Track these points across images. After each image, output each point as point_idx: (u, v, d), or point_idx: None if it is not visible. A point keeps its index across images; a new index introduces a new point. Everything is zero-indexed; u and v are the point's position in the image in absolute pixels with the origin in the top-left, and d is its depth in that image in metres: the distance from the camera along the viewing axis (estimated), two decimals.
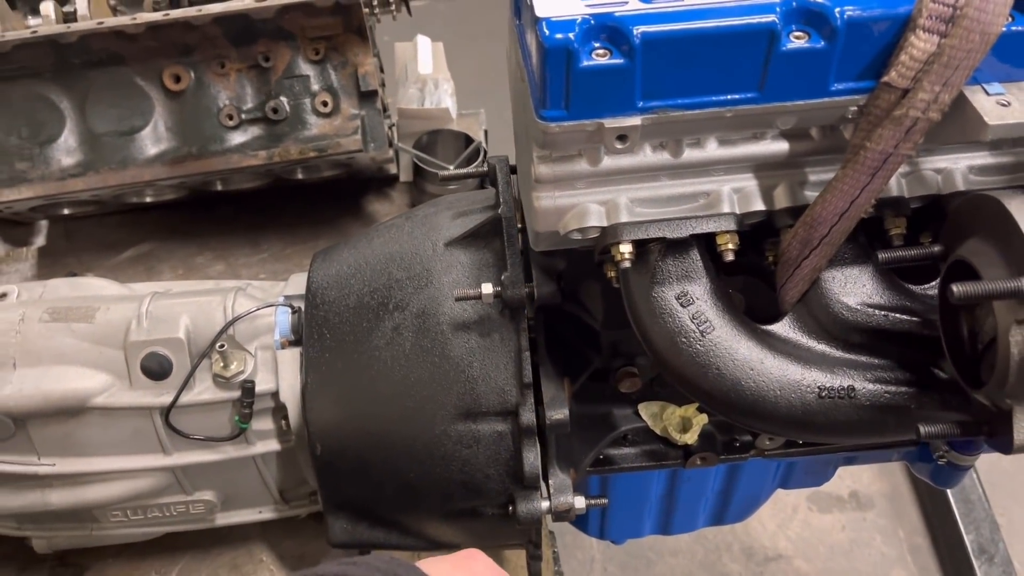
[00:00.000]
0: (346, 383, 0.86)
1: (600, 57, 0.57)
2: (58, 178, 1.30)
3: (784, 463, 1.00)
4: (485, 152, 1.51)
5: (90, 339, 0.89)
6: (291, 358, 0.90)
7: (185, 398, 0.88)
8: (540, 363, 0.83)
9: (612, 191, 0.69)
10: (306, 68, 1.34)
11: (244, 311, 0.90)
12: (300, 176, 1.47)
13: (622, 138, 0.60)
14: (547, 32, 0.56)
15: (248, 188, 1.48)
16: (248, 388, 0.88)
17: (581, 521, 1.08)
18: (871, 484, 2.16)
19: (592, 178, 0.67)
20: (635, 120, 0.59)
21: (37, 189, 1.29)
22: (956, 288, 0.54)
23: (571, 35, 0.56)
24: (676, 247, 0.69)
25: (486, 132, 1.63)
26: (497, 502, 0.86)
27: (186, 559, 1.09)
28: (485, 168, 0.93)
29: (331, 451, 0.87)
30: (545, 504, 0.85)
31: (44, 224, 1.51)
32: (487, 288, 0.80)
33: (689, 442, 0.90)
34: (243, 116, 1.33)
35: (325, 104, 1.34)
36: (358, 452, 0.86)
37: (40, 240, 1.49)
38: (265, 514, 1.02)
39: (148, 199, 1.45)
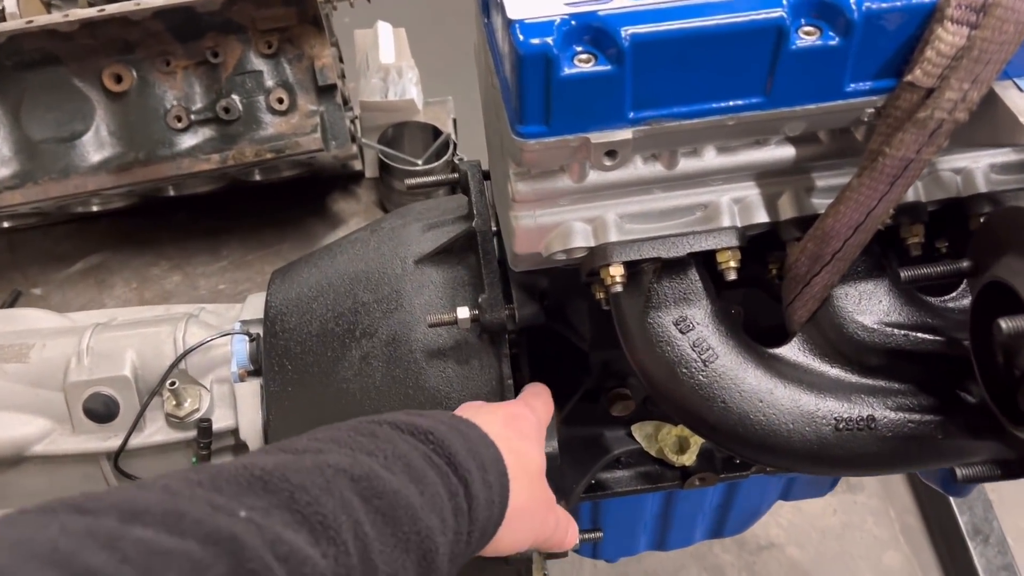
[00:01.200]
0: (312, 419, 0.78)
1: (583, 63, 0.49)
2: None
3: (784, 477, 0.94)
4: (455, 145, 1.43)
5: (25, 380, 0.80)
6: (251, 391, 0.82)
7: (135, 441, 0.80)
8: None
9: (599, 207, 0.61)
10: (259, 63, 1.25)
11: (196, 342, 0.82)
12: (258, 177, 1.38)
13: (611, 154, 0.53)
14: (521, 37, 0.48)
15: (203, 192, 1.39)
16: (205, 428, 0.80)
17: None
18: None
19: (577, 194, 0.60)
20: (626, 133, 0.52)
21: None
22: (1006, 324, 0.47)
23: (549, 39, 0.48)
24: (672, 267, 0.62)
25: (455, 121, 1.55)
26: None
27: None
28: (455, 175, 0.85)
29: None
30: None
31: None
32: (463, 312, 0.73)
33: (687, 464, 0.84)
34: (192, 117, 1.24)
35: (281, 101, 1.25)
36: None
37: None
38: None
39: (95, 208, 1.35)
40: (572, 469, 0.83)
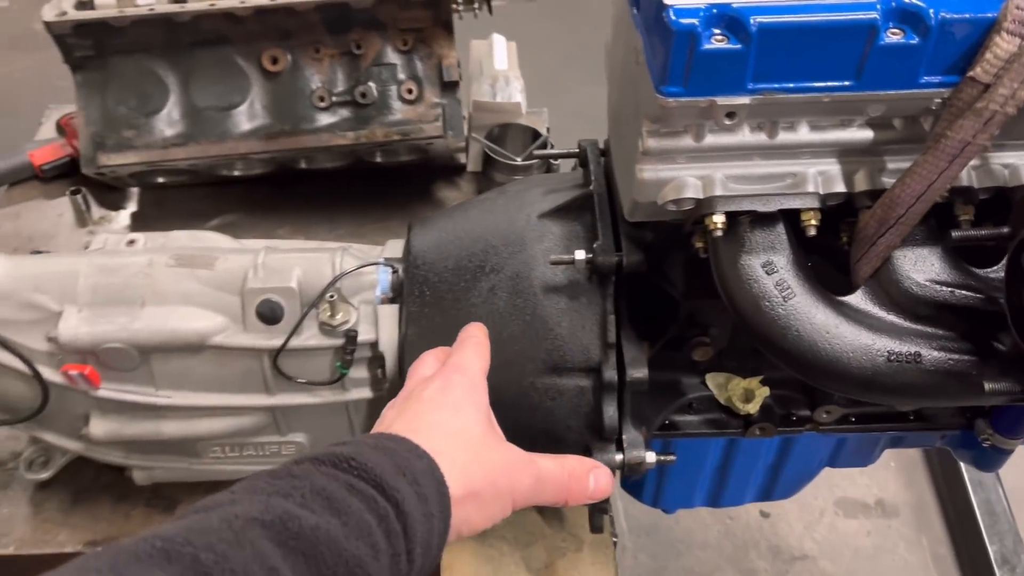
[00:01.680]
0: (443, 335, 0.94)
1: (718, 42, 0.65)
2: (161, 147, 1.40)
3: (834, 441, 1.07)
4: (551, 147, 1.60)
5: (211, 284, 0.97)
6: (390, 313, 0.98)
7: (293, 342, 0.97)
8: (621, 327, 0.91)
9: (709, 167, 0.77)
10: (394, 57, 1.43)
11: (350, 267, 0.98)
12: (379, 159, 1.56)
13: (730, 115, 0.68)
14: (674, 18, 0.64)
15: (329, 168, 1.57)
16: (352, 336, 0.96)
17: (637, 488, 1.15)
18: (897, 493, 2.22)
19: (694, 153, 0.76)
20: (744, 100, 0.67)
21: (142, 155, 1.39)
22: None
23: (695, 20, 0.64)
24: (764, 220, 0.77)
25: (548, 129, 1.71)
26: (574, 452, 0.94)
27: None
28: (576, 149, 1.01)
29: None
30: (619, 456, 0.93)
31: (136, 191, 1.61)
32: (580, 254, 0.88)
33: (751, 412, 0.98)
34: (333, 99, 1.42)
35: (410, 91, 1.43)
36: None
37: (132, 206, 1.59)
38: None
39: (237, 172, 1.54)
40: (651, 406, 0.98)
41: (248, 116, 1.43)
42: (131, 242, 1.03)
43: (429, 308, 0.96)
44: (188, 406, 1.00)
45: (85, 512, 1.15)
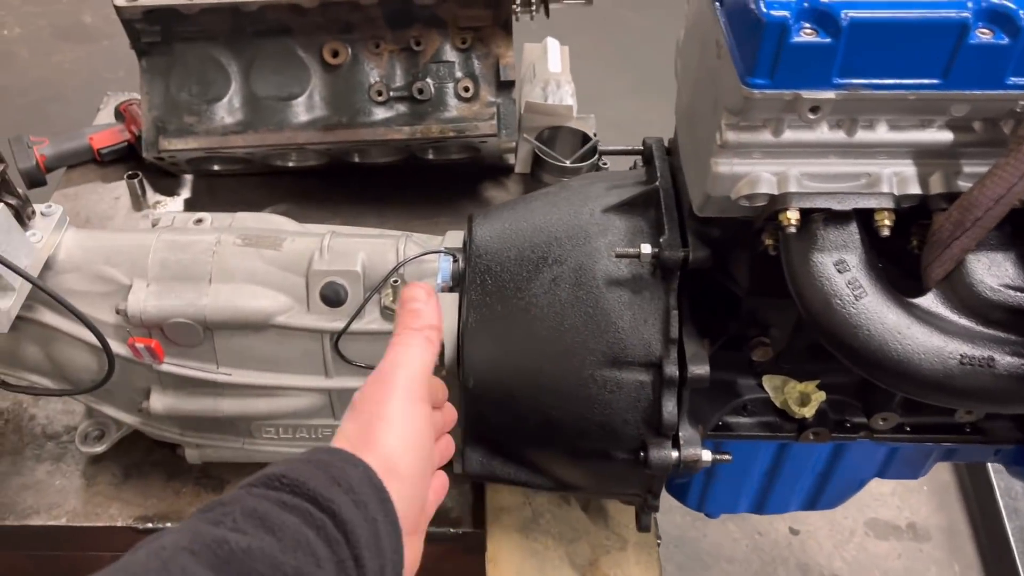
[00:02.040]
0: (504, 323, 0.95)
1: (808, 35, 0.66)
2: (221, 133, 1.43)
3: (886, 450, 1.07)
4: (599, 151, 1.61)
5: (277, 264, 0.99)
6: (450, 301, 0.99)
7: (355, 325, 0.98)
8: (683, 323, 0.91)
9: (784, 164, 0.77)
10: (452, 55, 1.45)
11: (413, 254, 1.00)
12: (431, 156, 1.58)
13: (814, 109, 0.69)
14: (766, 9, 0.65)
15: (381, 163, 1.59)
16: None
17: (682, 491, 1.15)
18: (929, 517, 2.20)
19: (771, 149, 0.76)
20: (829, 94, 0.68)
21: (202, 141, 1.42)
22: None
23: (787, 13, 0.65)
24: (837, 218, 0.77)
25: (595, 134, 1.73)
26: (629, 447, 0.94)
27: None
28: (641, 147, 1.02)
29: (482, 384, 0.96)
30: (675, 454, 0.93)
31: (189, 178, 1.64)
32: (646, 248, 0.89)
33: (807, 416, 0.98)
34: (391, 93, 1.45)
35: (467, 89, 1.45)
36: (508, 387, 0.95)
37: (186, 192, 1.62)
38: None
39: (291, 163, 1.56)
40: (708, 404, 0.98)
41: (306, 107, 1.45)
42: (199, 221, 1.05)
43: (490, 297, 0.97)
44: (247, 384, 1.02)
45: (136, 488, 1.17)
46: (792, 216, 0.77)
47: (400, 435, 0.61)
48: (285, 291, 0.99)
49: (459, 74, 1.46)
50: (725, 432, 1.01)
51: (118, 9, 1.34)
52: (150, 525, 1.13)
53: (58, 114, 3.09)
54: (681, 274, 0.90)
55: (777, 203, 0.78)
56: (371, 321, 0.99)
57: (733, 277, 0.92)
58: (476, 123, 1.45)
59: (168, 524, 1.13)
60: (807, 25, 0.66)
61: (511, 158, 1.70)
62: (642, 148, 1.02)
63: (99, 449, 1.16)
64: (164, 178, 1.62)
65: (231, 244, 1.00)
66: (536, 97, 1.65)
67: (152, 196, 1.61)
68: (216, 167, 1.57)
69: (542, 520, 1.15)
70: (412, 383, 0.64)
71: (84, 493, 1.16)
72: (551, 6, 1.52)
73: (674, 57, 0.96)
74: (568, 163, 1.59)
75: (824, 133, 0.75)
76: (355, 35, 1.43)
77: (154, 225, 1.07)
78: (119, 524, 1.13)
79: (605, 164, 1.61)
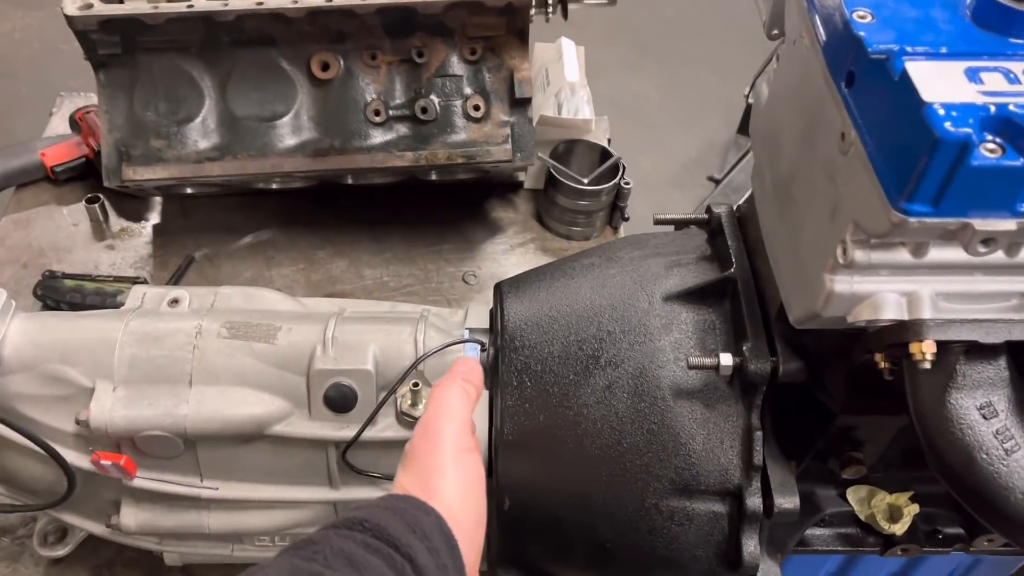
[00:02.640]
0: (548, 437, 0.80)
1: (991, 153, 0.50)
2: (194, 160, 1.24)
3: (974, 558, 0.94)
4: (623, 168, 1.44)
5: (272, 362, 0.82)
6: (480, 403, 0.83)
7: (367, 434, 0.82)
8: (765, 442, 0.76)
9: (916, 281, 0.62)
10: (460, 68, 1.27)
11: (435, 345, 0.83)
12: (434, 177, 1.40)
13: (987, 242, 0.53)
14: (943, 124, 0.49)
15: (378, 184, 1.41)
16: None
17: None
18: None
19: (907, 268, 0.61)
20: (1010, 224, 0.52)
21: (173, 170, 1.23)
22: None
23: (968, 129, 0.49)
24: (983, 351, 0.62)
25: (609, 140, 1.56)
26: None
27: None
28: (706, 215, 0.86)
29: (521, 506, 0.80)
30: None
31: (158, 200, 1.45)
32: (727, 359, 0.74)
33: (898, 533, 0.84)
34: (391, 112, 1.26)
35: (477, 108, 1.27)
36: (552, 512, 0.80)
37: (155, 217, 1.43)
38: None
39: (275, 185, 1.38)
40: (785, 526, 0.84)
41: (292, 128, 1.26)
42: (174, 301, 0.88)
43: (530, 404, 0.81)
44: (237, 499, 0.86)
45: None
46: (927, 350, 0.61)
47: (455, 485, 0.63)
48: (282, 394, 0.82)
49: (468, 90, 1.27)
50: (803, 547, 0.87)
51: (69, 19, 1.13)
52: None
53: (6, 92, 2.83)
54: (766, 388, 0.75)
55: (907, 332, 0.62)
56: (385, 428, 0.83)
57: (826, 389, 0.77)
58: (488, 147, 1.27)
59: None
60: (991, 140, 0.50)
61: (521, 174, 1.53)
62: (706, 217, 0.86)
63: (61, 552, 1.00)
64: (129, 200, 1.43)
65: (215, 336, 0.83)
66: (550, 109, 1.47)
67: (116, 221, 1.41)
68: (190, 191, 1.38)
69: None
70: (458, 436, 0.66)
71: None
72: (569, 6, 1.33)
73: (754, 112, 0.79)
74: (586, 182, 1.42)
75: (978, 250, 0.59)
76: (348, 45, 1.24)
77: (119, 307, 0.89)
78: None
79: (628, 184, 1.44)
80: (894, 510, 0.84)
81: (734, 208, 0.85)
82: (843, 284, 0.62)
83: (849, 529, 0.87)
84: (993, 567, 0.97)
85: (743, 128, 2.97)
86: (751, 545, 0.75)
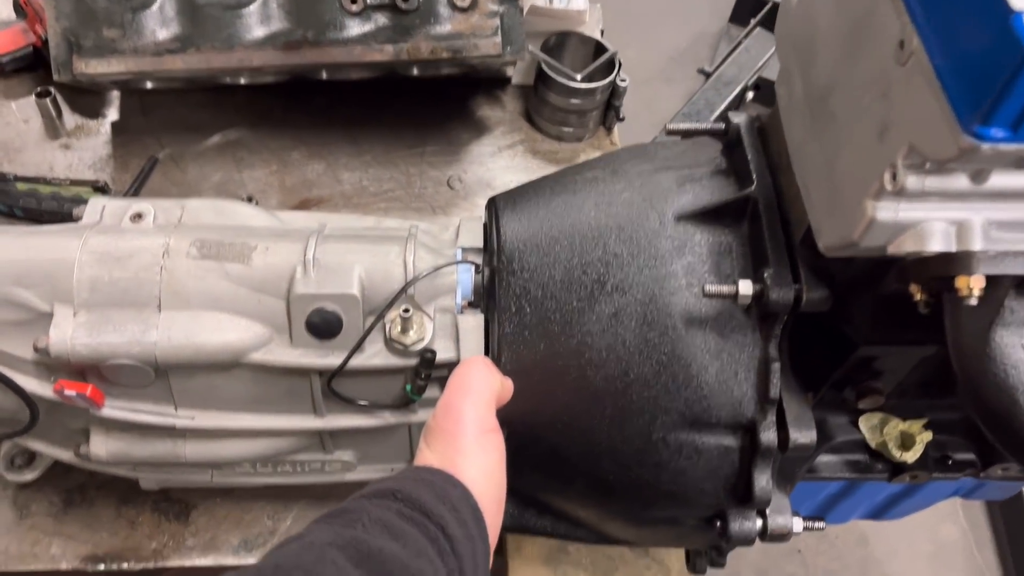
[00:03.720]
0: (549, 369, 0.74)
1: None
2: (153, 52, 1.12)
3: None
4: (620, 64, 1.34)
5: (247, 284, 0.75)
6: (474, 325, 0.78)
7: (354, 362, 0.76)
8: (782, 373, 0.72)
9: (967, 208, 0.56)
10: None
11: (426, 268, 0.77)
12: (416, 72, 1.29)
13: None
14: None
15: (355, 80, 1.30)
16: (429, 359, 0.76)
17: None
18: None
19: (961, 195, 0.54)
20: None
21: (130, 63, 1.12)
22: None
23: None
24: None
25: (602, 32, 1.45)
26: (703, 515, 0.77)
27: (299, 506, 1.00)
28: (721, 125, 0.78)
29: (519, 437, 0.76)
30: (759, 523, 0.76)
31: (116, 95, 1.33)
32: (745, 287, 0.68)
33: (909, 460, 0.81)
34: (368, 1, 1.14)
35: None
36: (553, 444, 0.76)
37: (113, 113, 1.32)
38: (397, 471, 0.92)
39: (243, 81, 1.27)
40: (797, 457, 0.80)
41: (260, 18, 1.15)
42: (137, 216, 0.79)
43: (530, 332, 0.75)
44: (215, 428, 0.80)
45: (81, 519, 0.96)
46: (975, 284, 0.56)
47: (479, 466, 0.64)
48: (259, 319, 0.76)
49: None
50: (811, 474, 0.84)
51: None
52: (102, 567, 0.93)
53: None
54: (787, 317, 0.70)
55: (954, 264, 0.57)
56: (373, 355, 0.77)
57: (848, 319, 0.71)
58: (475, 40, 1.17)
59: (125, 565, 0.94)
60: None
61: (508, 69, 1.42)
62: (723, 127, 0.79)
63: (29, 477, 0.95)
64: (84, 95, 1.31)
65: (184, 256, 0.75)
66: None
67: (70, 118, 1.30)
68: (150, 86, 1.27)
69: (571, 548, 0.98)
70: (481, 419, 0.66)
71: (17, 528, 0.95)
72: None
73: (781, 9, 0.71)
74: (579, 78, 1.32)
75: None
76: None
77: (76, 220, 0.81)
78: (64, 567, 0.93)
79: (624, 82, 1.34)
80: (906, 438, 0.81)
81: (754, 118, 0.77)
82: (887, 212, 0.56)
83: (857, 456, 0.84)
84: (997, 488, 0.95)
85: (735, 17, 2.83)
86: (763, 480, 0.72)
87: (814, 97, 0.65)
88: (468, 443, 0.64)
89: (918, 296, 0.62)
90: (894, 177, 0.54)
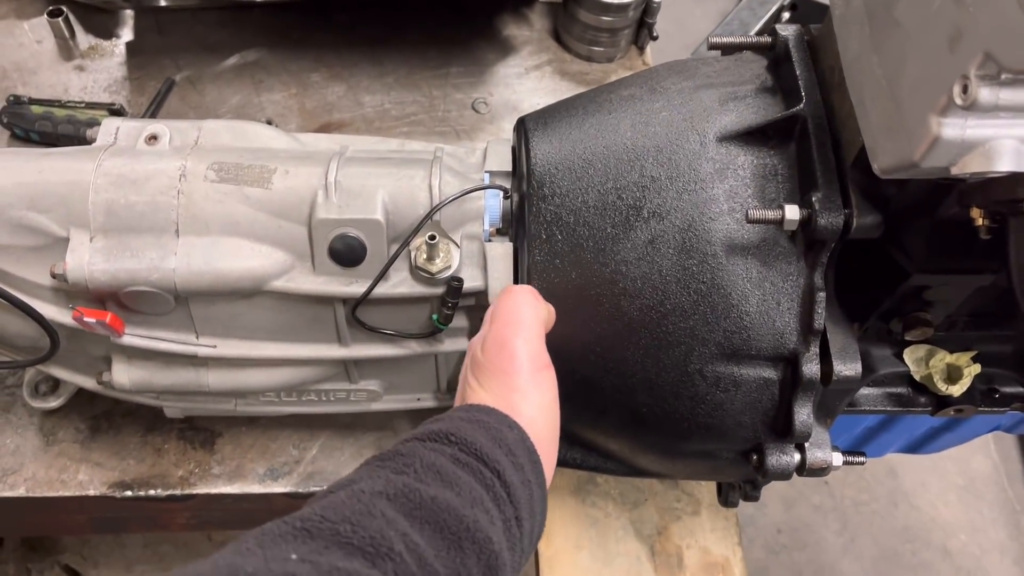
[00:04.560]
0: (581, 298, 0.71)
1: None
2: None
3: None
4: None
5: (267, 209, 0.72)
6: (503, 253, 0.75)
7: (379, 290, 0.73)
8: (827, 304, 0.68)
9: None
10: None
11: (452, 193, 0.73)
12: None
13: None
14: None
15: None
16: (455, 287, 0.73)
17: None
18: None
19: None
20: None
21: None
22: None
23: None
24: None
25: None
26: (739, 448, 0.75)
27: (326, 435, 0.99)
28: (768, 39, 0.73)
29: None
30: (798, 457, 0.74)
31: (130, 14, 1.29)
32: (792, 212, 0.64)
33: (955, 394, 0.78)
34: None
35: None
36: (585, 375, 0.73)
37: (127, 33, 1.28)
38: (424, 402, 0.90)
39: None
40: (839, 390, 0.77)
41: None
42: (153, 137, 0.76)
43: (561, 260, 0.72)
44: (237, 357, 0.78)
45: (108, 446, 0.96)
46: None
47: (535, 405, 0.62)
48: (281, 245, 0.73)
49: None
50: (851, 408, 0.81)
51: None
52: (129, 493, 0.93)
53: None
54: (836, 244, 0.66)
55: (1022, 186, 0.52)
56: (399, 284, 0.74)
57: (901, 246, 0.67)
58: None
59: (152, 492, 0.94)
60: None
61: None
62: (769, 40, 0.73)
63: (54, 404, 0.94)
64: (97, 14, 1.27)
65: (202, 179, 0.72)
66: None
67: (84, 39, 1.26)
68: (163, 2, 1.22)
69: (600, 479, 0.97)
70: (536, 355, 0.64)
71: (44, 455, 0.95)
72: None
73: None
74: None
75: None
76: None
77: (90, 143, 0.78)
78: (91, 493, 0.93)
79: (656, 1, 1.28)
80: (953, 370, 0.78)
81: (804, 31, 0.72)
82: (954, 129, 0.51)
83: (900, 389, 0.81)
84: None
85: None
86: (804, 413, 0.69)
87: (875, 4, 0.60)
88: (523, 381, 0.62)
89: (980, 221, 0.58)
90: (965, 90, 0.49)
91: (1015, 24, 0.44)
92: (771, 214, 0.64)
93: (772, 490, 1.94)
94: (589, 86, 1.30)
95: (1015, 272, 0.56)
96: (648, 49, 1.35)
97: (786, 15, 2.11)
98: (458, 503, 0.51)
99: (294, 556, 0.43)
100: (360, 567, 0.44)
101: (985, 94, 0.49)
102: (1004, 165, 0.52)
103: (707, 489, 0.97)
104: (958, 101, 0.50)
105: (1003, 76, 0.48)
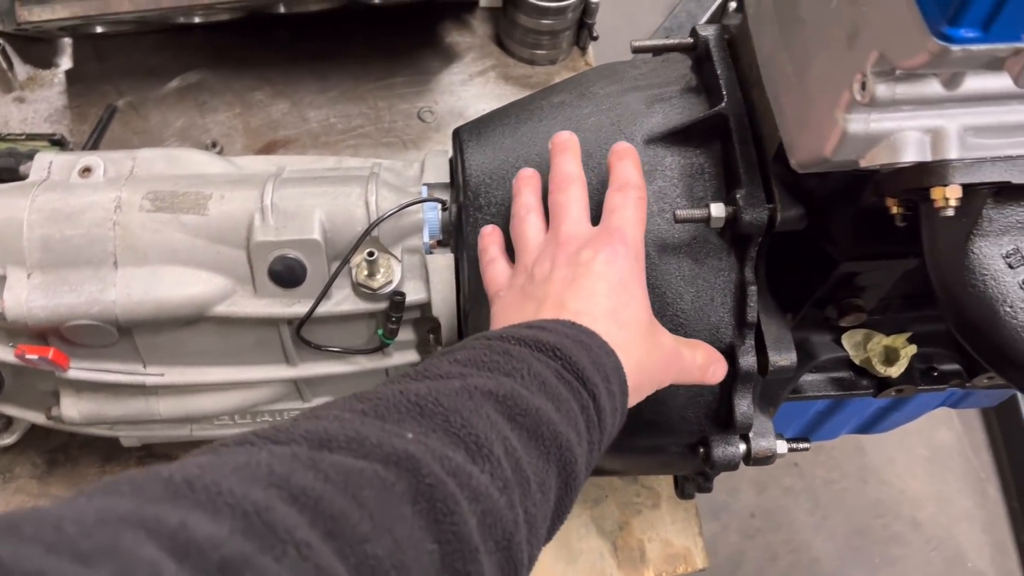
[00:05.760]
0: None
1: None
2: None
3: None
4: None
5: (205, 235, 0.73)
6: (444, 264, 0.76)
7: (320, 309, 0.74)
8: (759, 296, 0.70)
9: (942, 115, 0.53)
10: None
11: (390, 208, 0.74)
12: (378, 0, 1.24)
13: None
14: None
15: (313, 11, 1.25)
16: (398, 302, 0.74)
17: None
18: None
19: (934, 101, 0.51)
20: None
21: (75, 8, 1.06)
22: None
23: None
24: (1013, 192, 0.54)
25: None
26: (686, 442, 0.76)
27: None
28: (690, 40, 0.75)
29: None
30: (743, 447, 0.75)
31: (68, 42, 1.28)
32: (718, 210, 0.65)
33: (894, 375, 0.80)
34: None
35: None
36: None
37: (66, 62, 1.27)
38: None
39: (197, 20, 1.22)
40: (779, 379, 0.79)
41: None
42: (86, 170, 0.76)
43: None
44: (187, 383, 0.79)
45: (66, 478, 0.96)
46: (952, 195, 0.53)
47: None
48: (220, 270, 0.73)
49: None
50: (795, 394, 0.83)
51: None
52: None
53: None
54: (763, 237, 0.67)
55: (928, 175, 0.54)
56: (341, 301, 0.75)
57: (828, 235, 0.69)
58: None
59: None
60: None
61: None
62: (691, 41, 0.75)
63: (8, 441, 0.94)
64: (34, 43, 1.26)
65: (136, 209, 0.72)
66: None
67: (22, 69, 1.25)
68: (100, 30, 1.22)
69: None
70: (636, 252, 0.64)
71: (1, 492, 0.95)
72: None
73: None
74: None
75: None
76: None
77: (23, 178, 0.77)
78: None
79: (595, 1, 1.29)
80: (890, 352, 0.80)
81: (723, 30, 0.74)
82: (858, 123, 0.53)
83: (842, 373, 0.83)
84: (986, 396, 0.94)
85: None
86: (744, 405, 0.71)
87: (783, 3, 0.61)
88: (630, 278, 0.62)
89: (894, 209, 0.60)
90: (863, 86, 0.51)
91: (901, 22, 0.45)
92: (698, 213, 0.66)
93: (743, 475, 1.96)
94: (533, 89, 1.31)
95: (928, 259, 0.58)
96: (591, 49, 1.36)
97: (732, 5, 2.13)
98: (556, 419, 0.51)
99: (410, 435, 0.44)
100: (463, 461, 0.44)
101: (882, 90, 0.50)
102: (909, 156, 0.54)
103: (666, 482, 0.99)
104: (858, 97, 0.51)
105: (897, 72, 0.50)
